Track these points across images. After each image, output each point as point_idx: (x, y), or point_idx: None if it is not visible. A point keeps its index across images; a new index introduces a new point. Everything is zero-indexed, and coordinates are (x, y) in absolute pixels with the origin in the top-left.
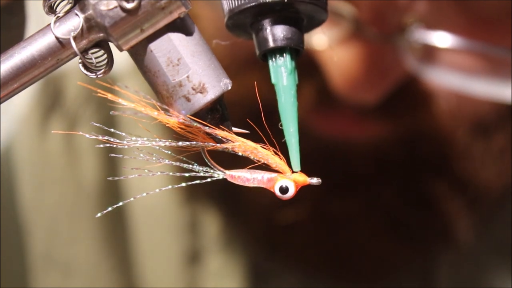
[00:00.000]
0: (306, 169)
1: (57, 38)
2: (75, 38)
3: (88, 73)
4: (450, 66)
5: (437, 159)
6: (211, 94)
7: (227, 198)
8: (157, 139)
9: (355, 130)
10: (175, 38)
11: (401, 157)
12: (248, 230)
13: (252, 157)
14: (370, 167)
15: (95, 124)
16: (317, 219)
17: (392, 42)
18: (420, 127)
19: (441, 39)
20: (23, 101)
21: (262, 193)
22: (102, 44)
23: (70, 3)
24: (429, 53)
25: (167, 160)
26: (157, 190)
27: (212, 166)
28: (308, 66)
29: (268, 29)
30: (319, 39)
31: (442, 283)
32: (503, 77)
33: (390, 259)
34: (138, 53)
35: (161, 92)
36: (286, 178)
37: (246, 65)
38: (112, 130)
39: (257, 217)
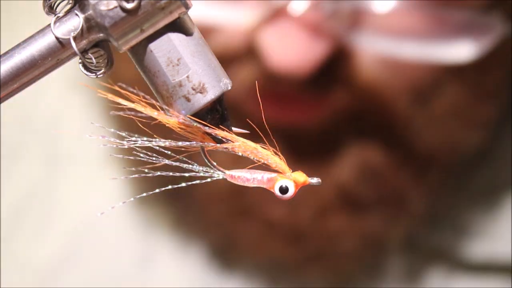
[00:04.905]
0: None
1: (57, 38)
2: (75, 38)
3: (88, 73)
4: (384, 30)
5: (380, 130)
6: (211, 94)
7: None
8: (157, 139)
9: (299, 112)
10: (175, 38)
11: (346, 132)
12: (203, 223)
13: (252, 157)
14: (317, 145)
15: (95, 124)
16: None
17: (320, 10)
18: (358, 100)
19: (374, 3)
20: None
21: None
22: (102, 44)
23: (70, 3)
24: (360, 18)
25: (167, 160)
26: (157, 190)
27: (212, 166)
28: (245, 50)
29: None
30: (248, 19)
31: (394, 255)
32: (444, 36)
33: (344, 231)
34: (138, 53)
35: (161, 92)
36: (286, 178)
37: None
38: (112, 130)
39: (210, 209)
